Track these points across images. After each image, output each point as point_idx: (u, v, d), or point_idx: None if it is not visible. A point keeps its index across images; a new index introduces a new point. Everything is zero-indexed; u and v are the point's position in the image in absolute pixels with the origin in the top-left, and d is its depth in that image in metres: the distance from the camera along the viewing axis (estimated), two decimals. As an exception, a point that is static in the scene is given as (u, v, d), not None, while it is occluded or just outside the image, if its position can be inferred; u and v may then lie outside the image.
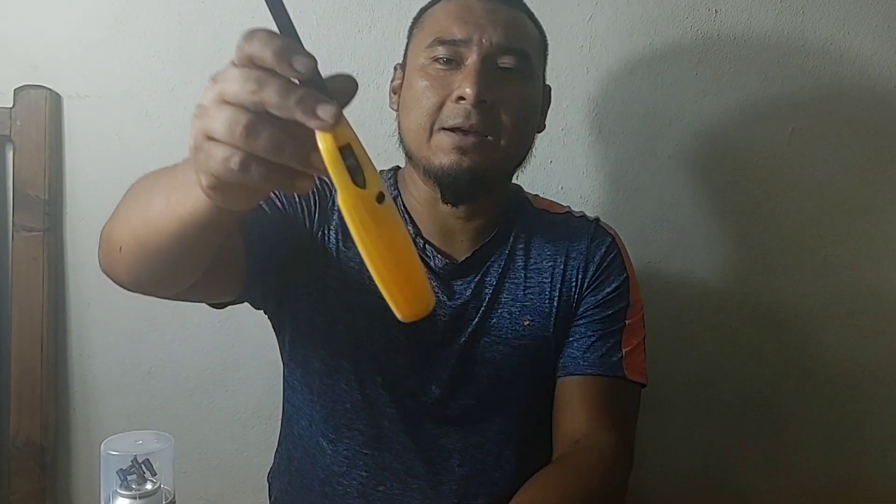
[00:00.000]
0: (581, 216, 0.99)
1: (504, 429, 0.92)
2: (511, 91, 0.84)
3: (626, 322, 0.93)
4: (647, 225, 1.22)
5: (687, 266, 1.24)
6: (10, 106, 1.14)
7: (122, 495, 0.66)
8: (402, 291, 0.46)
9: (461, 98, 0.81)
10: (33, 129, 1.15)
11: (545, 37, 0.92)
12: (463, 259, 0.91)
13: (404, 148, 0.88)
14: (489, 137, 0.83)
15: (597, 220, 0.99)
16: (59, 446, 1.23)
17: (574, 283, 0.92)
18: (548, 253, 0.93)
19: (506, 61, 0.83)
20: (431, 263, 0.90)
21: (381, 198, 0.45)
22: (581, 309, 0.92)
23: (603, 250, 0.94)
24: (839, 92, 1.20)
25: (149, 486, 0.66)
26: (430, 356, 0.90)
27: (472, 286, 0.90)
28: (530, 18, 0.90)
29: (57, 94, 1.16)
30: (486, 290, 0.91)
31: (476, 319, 0.90)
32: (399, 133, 0.89)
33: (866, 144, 1.22)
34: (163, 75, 1.16)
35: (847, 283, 1.25)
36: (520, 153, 0.89)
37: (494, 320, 0.91)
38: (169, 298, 0.75)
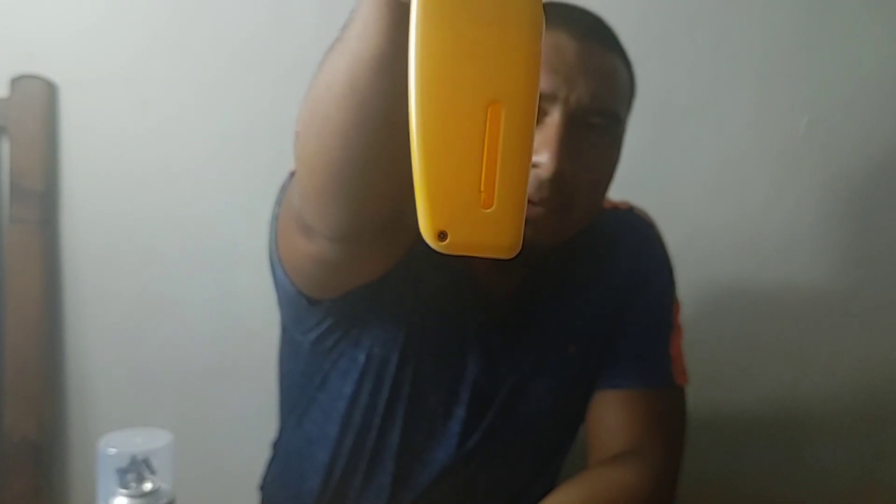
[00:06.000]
0: (612, 208, 0.88)
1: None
2: (593, 156, 0.71)
3: (674, 322, 0.86)
4: (658, 217, 1.19)
5: (700, 261, 1.21)
6: (6, 96, 1.11)
7: (121, 495, 0.63)
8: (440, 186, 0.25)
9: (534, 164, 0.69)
10: (29, 119, 1.12)
11: (634, 79, 0.78)
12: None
13: None
14: (560, 210, 0.71)
15: (631, 209, 0.90)
16: (54, 444, 1.20)
17: (620, 290, 0.84)
18: (588, 261, 0.83)
19: (593, 120, 0.70)
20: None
21: None
22: (627, 314, 0.84)
23: (648, 246, 0.86)
24: (857, 82, 1.17)
25: (148, 486, 0.63)
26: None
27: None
28: (624, 62, 0.75)
29: (53, 83, 1.13)
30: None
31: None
32: None
33: (884, 137, 1.19)
34: (161, 64, 1.13)
35: (866, 279, 1.22)
36: (587, 221, 0.76)
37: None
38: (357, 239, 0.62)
